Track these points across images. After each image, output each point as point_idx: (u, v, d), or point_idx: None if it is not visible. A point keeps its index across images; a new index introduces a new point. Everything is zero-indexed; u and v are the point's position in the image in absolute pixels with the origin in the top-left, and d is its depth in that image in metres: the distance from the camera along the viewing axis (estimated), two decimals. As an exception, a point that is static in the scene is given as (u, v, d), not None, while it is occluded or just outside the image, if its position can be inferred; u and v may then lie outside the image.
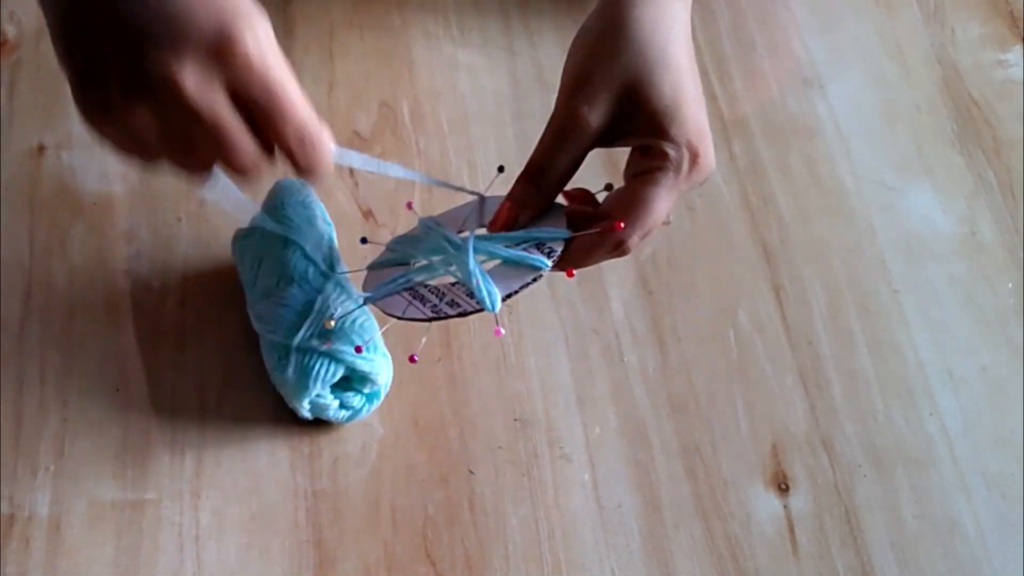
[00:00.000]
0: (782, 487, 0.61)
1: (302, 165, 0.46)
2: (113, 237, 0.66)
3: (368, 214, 0.68)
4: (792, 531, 0.59)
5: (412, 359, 0.52)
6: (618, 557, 0.58)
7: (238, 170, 0.45)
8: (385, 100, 0.72)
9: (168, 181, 0.67)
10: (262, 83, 0.42)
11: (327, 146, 0.46)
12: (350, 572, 0.57)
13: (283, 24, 0.74)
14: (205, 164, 0.45)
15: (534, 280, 0.50)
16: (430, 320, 0.50)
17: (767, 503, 0.60)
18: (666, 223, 0.55)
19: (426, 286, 0.52)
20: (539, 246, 0.51)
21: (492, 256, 0.51)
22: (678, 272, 0.67)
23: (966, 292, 0.67)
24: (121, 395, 0.61)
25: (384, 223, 0.67)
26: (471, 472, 0.60)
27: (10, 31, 0.74)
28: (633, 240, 0.51)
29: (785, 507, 0.60)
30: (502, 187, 0.53)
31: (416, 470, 0.60)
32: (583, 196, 0.55)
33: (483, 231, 0.53)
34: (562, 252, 0.51)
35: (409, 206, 0.58)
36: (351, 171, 0.69)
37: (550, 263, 0.50)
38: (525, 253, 0.51)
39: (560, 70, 0.51)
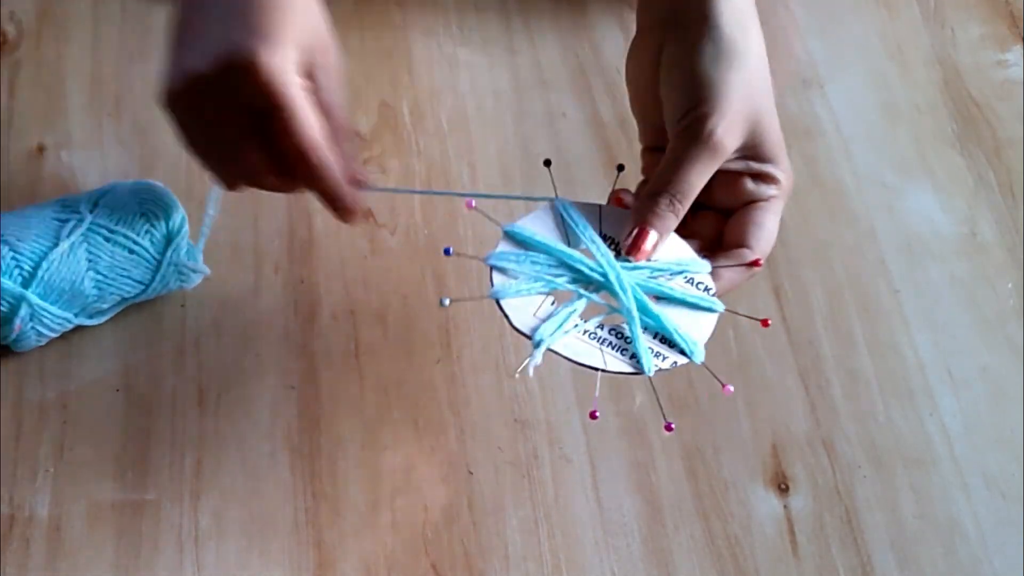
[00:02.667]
0: (782, 487, 0.61)
1: (305, 180, 0.50)
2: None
3: (368, 213, 0.68)
4: (792, 531, 0.59)
5: (593, 416, 0.49)
6: (618, 557, 0.58)
7: (245, 172, 0.50)
8: (385, 100, 0.72)
9: (168, 181, 0.67)
10: (269, 101, 0.46)
11: (329, 164, 0.49)
12: (350, 572, 0.57)
13: (283, 24, 0.74)
14: (224, 168, 0.52)
15: (632, 373, 0.48)
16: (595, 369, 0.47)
17: (767, 503, 0.60)
18: None
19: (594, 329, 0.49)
20: (687, 280, 0.51)
21: (655, 293, 0.49)
22: (678, 272, 0.67)
23: (966, 292, 0.67)
24: (121, 396, 0.61)
25: (384, 223, 0.67)
26: (471, 472, 0.60)
27: (10, 31, 0.74)
28: (757, 264, 0.53)
29: (785, 507, 0.60)
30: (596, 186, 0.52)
31: (416, 471, 0.60)
32: (626, 195, 0.55)
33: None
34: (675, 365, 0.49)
35: (469, 206, 0.54)
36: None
37: (652, 374, 0.48)
38: (693, 292, 0.49)
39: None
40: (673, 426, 0.50)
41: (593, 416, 0.49)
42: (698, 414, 0.62)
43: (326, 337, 0.64)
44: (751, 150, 0.52)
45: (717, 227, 0.54)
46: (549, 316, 0.48)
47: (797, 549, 0.59)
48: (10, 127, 0.70)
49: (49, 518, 0.58)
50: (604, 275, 0.49)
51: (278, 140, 0.48)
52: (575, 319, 0.49)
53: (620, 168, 0.54)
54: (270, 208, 0.67)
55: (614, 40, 0.74)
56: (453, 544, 0.58)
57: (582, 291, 0.49)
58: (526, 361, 0.47)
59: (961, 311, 0.66)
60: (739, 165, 0.52)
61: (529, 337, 0.48)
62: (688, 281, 0.50)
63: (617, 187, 0.54)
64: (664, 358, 0.48)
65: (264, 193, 0.65)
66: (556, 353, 0.48)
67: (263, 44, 0.46)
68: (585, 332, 0.49)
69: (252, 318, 0.64)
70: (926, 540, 0.59)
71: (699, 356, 0.49)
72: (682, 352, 0.49)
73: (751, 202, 0.53)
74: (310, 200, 0.67)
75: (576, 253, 0.50)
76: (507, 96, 0.73)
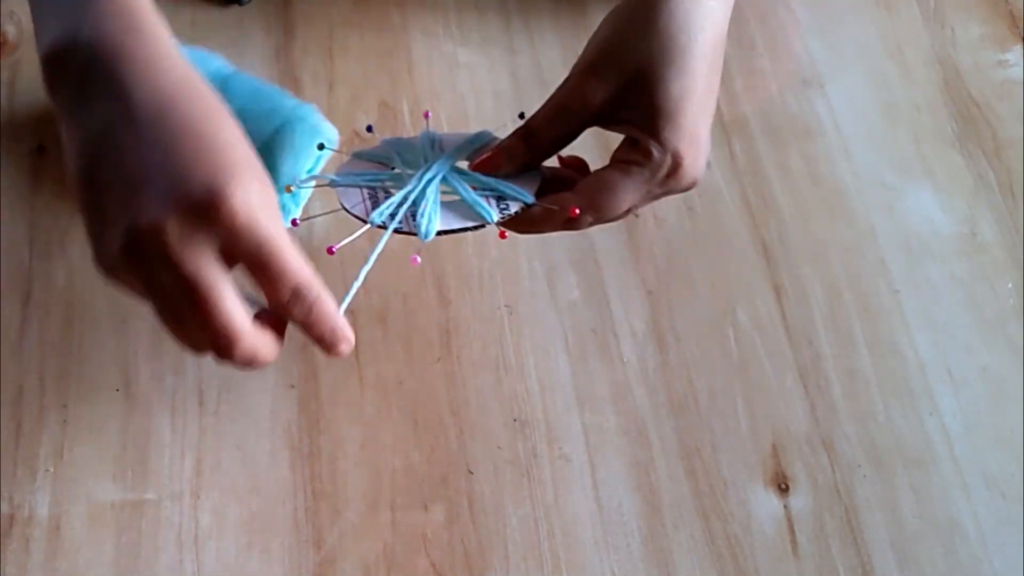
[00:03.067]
0: (782, 487, 0.61)
1: (301, 323, 0.44)
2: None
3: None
4: (792, 531, 0.59)
5: (330, 251, 0.49)
6: (618, 557, 0.58)
7: (219, 340, 0.41)
8: (385, 100, 0.72)
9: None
10: (250, 243, 0.40)
11: (328, 306, 0.44)
12: (350, 572, 0.57)
13: (283, 24, 0.74)
14: (191, 336, 0.43)
15: (475, 228, 0.51)
16: (365, 223, 0.50)
17: (767, 503, 0.60)
18: (634, 215, 0.55)
19: (387, 193, 0.52)
20: (499, 199, 0.52)
21: (453, 190, 0.52)
22: (677, 271, 0.67)
23: (966, 292, 0.67)
24: (121, 396, 0.61)
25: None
26: (471, 472, 0.60)
27: (10, 31, 0.74)
28: (585, 221, 0.51)
29: (785, 507, 0.60)
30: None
31: (416, 470, 0.60)
32: (577, 164, 0.55)
33: (464, 165, 0.53)
34: (516, 214, 0.51)
35: (426, 115, 0.59)
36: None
37: (496, 218, 0.51)
38: (481, 200, 0.51)
39: (560, 70, 0.51)
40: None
41: (330, 252, 0.50)
42: (698, 414, 0.62)
43: (326, 337, 0.64)
44: (627, 112, 0.50)
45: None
46: (383, 204, 0.51)
47: (797, 549, 0.59)
48: (10, 127, 0.70)
49: (49, 518, 0.58)
50: (429, 168, 0.52)
51: (269, 286, 0.43)
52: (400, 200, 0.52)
53: (521, 116, 0.55)
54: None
55: (614, 40, 0.74)
56: (453, 544, 0.58)
57: (404, 170, 0.53)
58: (352, 236, 0.50)
59: (961, 311, 0.66)
60: (621, 127, 0.51)
61: (364, 220, 0.51)
62: (499, 199, 0.52)
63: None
64: (399, 224, 0.51)
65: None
66: (399, 231, 0.51)
67: (228, 178, 0.40)
68: (373, 189, 0.52)
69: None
70: (926, 540, 0.59)
71: (423, 233, 0.50)
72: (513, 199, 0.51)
73: (618, 162, 0.51)
74: (310, 200, 0.67)
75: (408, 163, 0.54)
76: (507, 96, 0.73)
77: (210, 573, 0.57)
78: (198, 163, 0.40)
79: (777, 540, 0.59)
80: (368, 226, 0.50)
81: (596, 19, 0.52)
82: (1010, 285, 0.67)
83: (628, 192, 0.50)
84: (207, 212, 0.39)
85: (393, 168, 0.54)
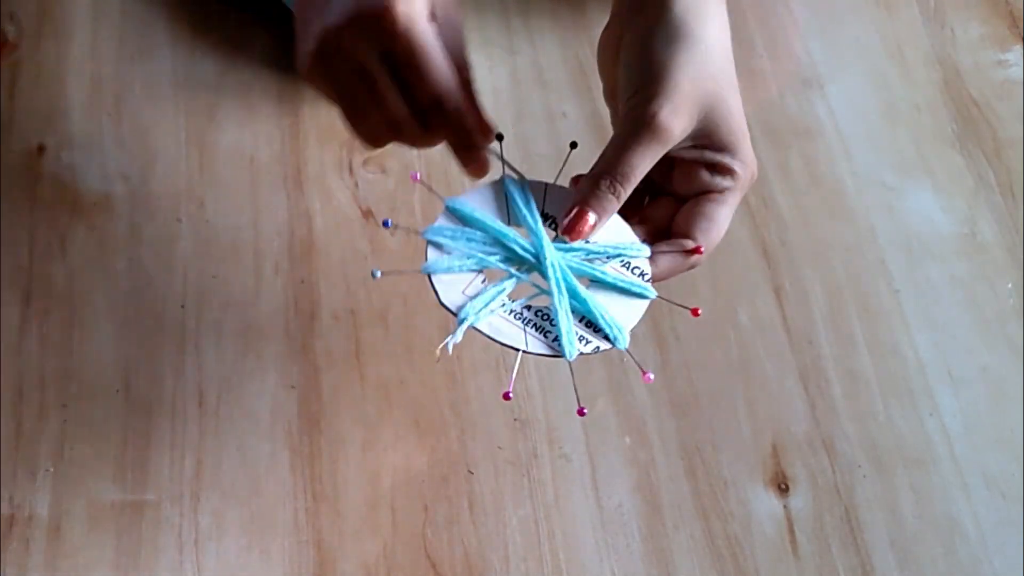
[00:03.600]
0: (782, 487, 0.61)
1: (439, 125, 0.50)
2: (113, 237, 0.66)
3: (368, 213, 0.68)
4: (792, 531, 0.59)
5: (581, 412, 0.49)
6: (618, 557, 0.58)
7: (392, 115, 0.49)
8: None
9: (168, 181, 0.67)
10: (405, 47, 0.47)
11: (464, 107, 0.49)
12: (350, 572, 0.57)
13: (285, 26, 0.74)
14: (369, 124, 0.51)
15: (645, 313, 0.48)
16: (518, 351, 0.48)
17: (767, 503, 0.60)
18: None
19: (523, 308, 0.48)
20: (623, 264, 0.50)
21: (587, 276, 0.49)
22: (678, 272, 0.67)
23: (966, 292, 0.67)
24: (121, 397, 0.61)
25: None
26: (471, 472, 0.60)
27: (10, 31, 0.74)
28: (705, 257, 0.52)
29: (785, 507, 0.60)
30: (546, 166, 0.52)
31: (416, 470, 0.60)
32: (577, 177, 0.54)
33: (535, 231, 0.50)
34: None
35: (414, 178, 0.55)
36: (350, 170, 0.69)
37: (652, 290, 0.49)
38: (627, 277, 0.49)
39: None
40: (651, 377, 0.50)
41: (581, 413, 0.49)
42: (698, 414, 0.62)
43: (326, 337, 0.64)
44: (705, 138, 0.50)
45: (671, 214, 0.53)
46: (478, 294, 0.48)
47: (797, 549, 0.59)
48: (10, 127, 0.70)
49: (49, 518, 0.58)
50: (536, 255, 0.49)
51: (415, 87, 0.49)
52: (503, 298, 0.48)
53: (573, 145, 0.53)
54: (270, 208, 0.67)
55: (614, 40, 0.74)
56: (453, 544, 0.58)
57: (513, 270, 0.49)
58: (448, 339, 0.47)
59: (961, 311, 0.66)
60: (694, 154, 0.51)
61: (455, 314, 0.48)
62: (624, 265, 0.50)
63: (569, 166, 0.53)
64: (587, 342, 0.48)
65: (264, 192, 0.65)
66: (478, 331, 0.48)
67: None
68: (511, 312, 0.48)
69: (252, 318, 0.64)
70: (926, 540, 0.59)
71: (623, 342, 0.48)
72: (606, 337, 0.48)
73: (705, 192, 0.51)
74: (310, 201, 0.67)
75: (512, 232, 0.50)
76: (507, 96, 0.73)
77: (210, 574, 0.57)
78: None
79: (777, 540, 0.59)
80: (465, 325, 0.47)
81: (596, 19, 0.52)
82: (1010, 285, 0.67)
83: (728, 216, 0.52)
84: (374, 18, 0.46)
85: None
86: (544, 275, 0.49)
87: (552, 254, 0.49)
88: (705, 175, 0.51)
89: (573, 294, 0.48)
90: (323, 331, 0.64)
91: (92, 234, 0.66)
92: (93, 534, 0.57)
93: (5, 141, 0.69)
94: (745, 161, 0.51)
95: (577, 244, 0.49)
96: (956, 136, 0.73)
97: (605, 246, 0.49)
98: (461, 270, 0.49)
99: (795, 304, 0.66)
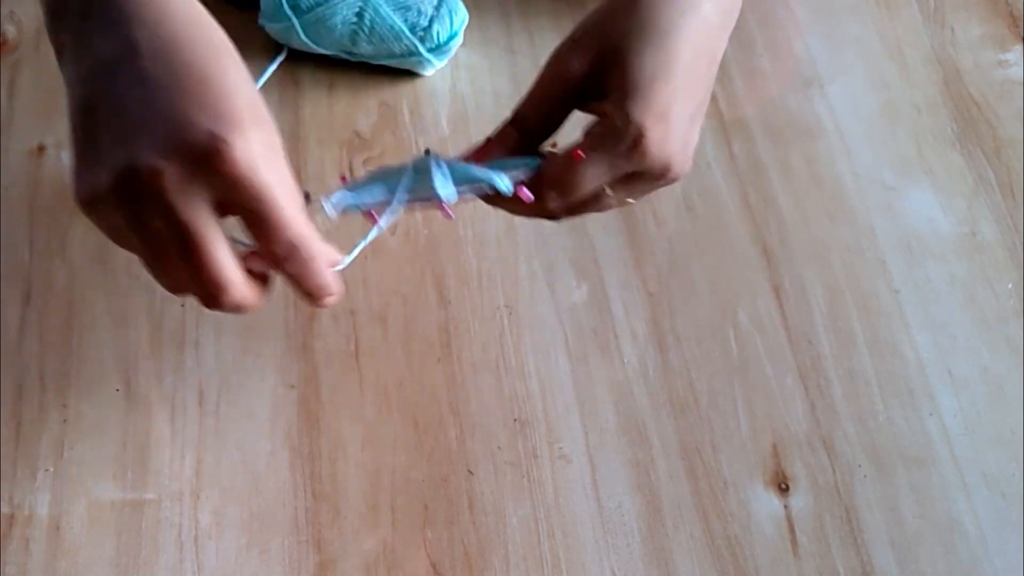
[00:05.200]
0: (782, 487, 0.61)
1: (293, 280, 0.44)
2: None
3: (368, 214, 0.67)
4: (792, 531, 0.59)
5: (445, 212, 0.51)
6: (618, 557, 0.58)
7: (208, 289, 0.42)
8: (385, 100, 0.72)
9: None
10: (250, 197, 0.40)
11: (320, 264, 0.44)
12: (350, 572, 0.57)
13: (283, 24, 0.74)
14: (177, 280, 0.43)
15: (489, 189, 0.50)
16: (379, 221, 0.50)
17: (767, 503, 0.60)
18: (609, 204, 0.52)
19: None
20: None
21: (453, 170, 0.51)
22: (678, 272, 0.67)
23: (966, 292, 0.67)
24: (121, 395, 0.61)
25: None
26: (471, 472, 0.60)
27: (10, 31, 0.74)
28: (551, 200, 0.50)
29: (785, 507, 0.60)
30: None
31: (416, 470, 0.60)
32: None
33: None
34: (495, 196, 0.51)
35: (344, 179, 0.55)
36: (350, 170, 0.69)
37: (511, 186, 0.50)
38: (490, 172, 0.51)
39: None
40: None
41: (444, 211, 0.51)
42: (698, 414, 0.62)
43: (326, 337, 0.64)
44: (601, 87, 0.49)
45: None
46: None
47: (797, 549, 0.59)
48: (10, 127, 0.70)
49: (49, 518, 0.58)
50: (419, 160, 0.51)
51: (260, 239, 0.42)
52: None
53: (427, 152, 0.54)
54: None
55: (614, 40, 0.74)
56: (453, 544, 0.58)
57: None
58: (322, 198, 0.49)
59: (961, 311, 0.66)
60: (595, 106, 0.50)
61: (376, 218, 0.51)
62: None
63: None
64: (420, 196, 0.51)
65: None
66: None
67: (231, 127, 0.39)
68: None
69: (252, 318, 0.64)
70: (926, 540, 0.59)
71: (502, 184, 0.50)
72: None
73: (582, 138, 0.50)
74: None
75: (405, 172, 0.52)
76: (507, 96, 0.73)
77: (210, 573, 0.57)
78: (202, 108, 0.39)
79: (777, 540, 0.59)
80: (386, 220, 0.50)
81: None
82: (1010, 285, 0.67)
83: (591, 165, 0.49)
84: (208, 161, 0.39)
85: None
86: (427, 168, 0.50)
87: (428, 159, 0.51)
88: (593, 125, 0.50)
89: (451, 166, 0.51)
90: (323, 331, 0.64)
91: (92, 234, 0.66)
92: (93, 533, 0.57)
93: (5, 141, 0.69)
94: (628, 117, 0.48)
95: (459, 163, 0.51)
96: (956, 136, 0.73)
97: (471, 168, 0.51)
98: (362, 198, 0.51)
99: (795, 304, 0.66)
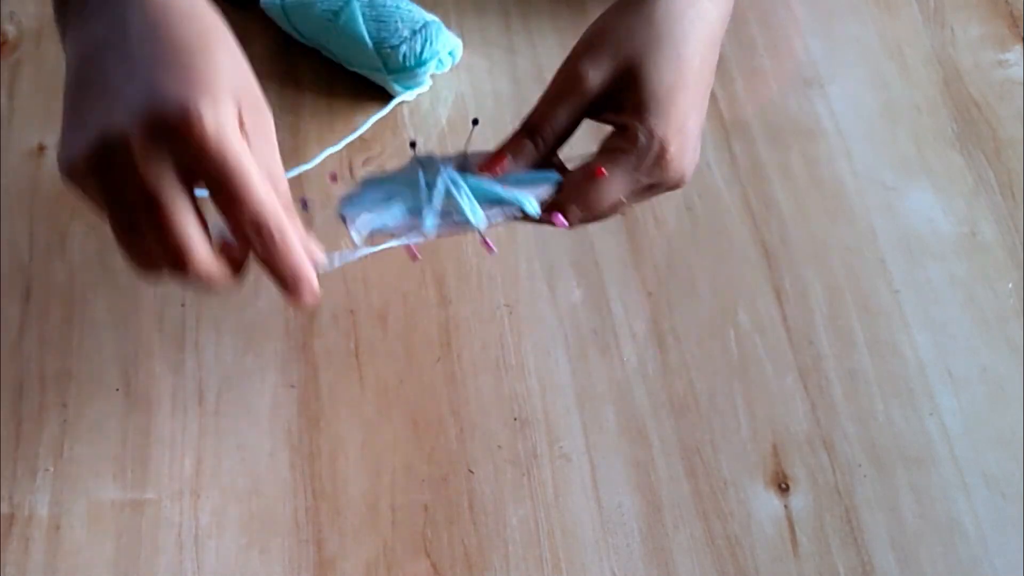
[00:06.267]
0: (782, 487, 0.61)
1: (261, 257, 0.42)
2: (113, 237, 0.66)
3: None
4: (792, 531, 0.59)
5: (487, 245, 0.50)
6: (618, 557, 0.58)
7: (173, 256, 0.41)
8: (385, 100, 0.72)
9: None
10: (216, 165, 0.39)
11: (290, 244, 0.42)
12: (350, 572, 0.57)
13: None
14: (147, 254, 0.42)
15: (516, 217, 0.50)
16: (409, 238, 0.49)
17: (767, 503, 0.60)
18: (621, 211, 0.52)
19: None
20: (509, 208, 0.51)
21: (482, 190, 0.50)
22: (678, 272, 0.67)
23: (966, 292, 0.67)
24: (120, 395, 0.61)
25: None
26: (471, 472, 0.60)
27: (10, 31, 0.74)
28: (574, 215, 0.50)
29: (785, 507, 0.60)
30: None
31: (416, 470, 0.60)
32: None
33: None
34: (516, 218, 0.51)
35: (333, 178, 0.55)
36: (350, 170, 0.69)
37: (539, 209, 0.50)
38: (515, 192, 0.50)
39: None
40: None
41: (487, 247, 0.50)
42: (698, 414, 0.62)
43: (326, 337, 0.64)
44: (619, 100, 0.50)
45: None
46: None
47: (797, 549, 0.59)
48: (10, 127, 0.70)
49: (49, 518, 0.58)
50: (436, 171, 0.50)
51: (228, 214, 0.41)
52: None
53: (475, 122, 0.54)
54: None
55: (614, 40, 0.74)
56: (453, 544, 0.58)
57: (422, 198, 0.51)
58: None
59: (961, 311, 0.66)
60: (611, 117, 0.50)
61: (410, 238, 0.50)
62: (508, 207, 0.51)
63: (471, 144, 0.53)
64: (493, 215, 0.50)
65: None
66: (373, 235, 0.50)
67: (202, 95, 0.38)
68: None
69: (252, 318, 0.64)
70: (926, 540, 0.59)
71: (530, 207, 0.49)
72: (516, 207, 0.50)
73: (603, 152, 0.50)
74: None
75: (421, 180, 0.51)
76: (507, 96, 0.73)
77: (210, 573, 0.57)
78: (176, 78, 0.39)
79: (777, 540, 0.59)
80: (413, 242, 0.49)
81: (595, 18, 0.53)
82: (1010, 285, 0.67)
83: (614, 181, 0.50)
84: (174, 125, 0.38)
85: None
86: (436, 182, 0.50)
87: (447, 173, 0.50)
88: (612, 137, 0.50)
89: (473, 186, 0.50)
90: (322, 330, 0.64)
91: (92, 234, 0.66)
92: (93, 533, 0.57)
93: (5, 141, 0.69)
94: (651, 132, 0.49)
95: (483, 184, 0.50)
96: (956, 136, 0.73)
97: (504, 191, 0.50)
98: (378, 207, 0.50)
99: (795, 304, 0.66)
